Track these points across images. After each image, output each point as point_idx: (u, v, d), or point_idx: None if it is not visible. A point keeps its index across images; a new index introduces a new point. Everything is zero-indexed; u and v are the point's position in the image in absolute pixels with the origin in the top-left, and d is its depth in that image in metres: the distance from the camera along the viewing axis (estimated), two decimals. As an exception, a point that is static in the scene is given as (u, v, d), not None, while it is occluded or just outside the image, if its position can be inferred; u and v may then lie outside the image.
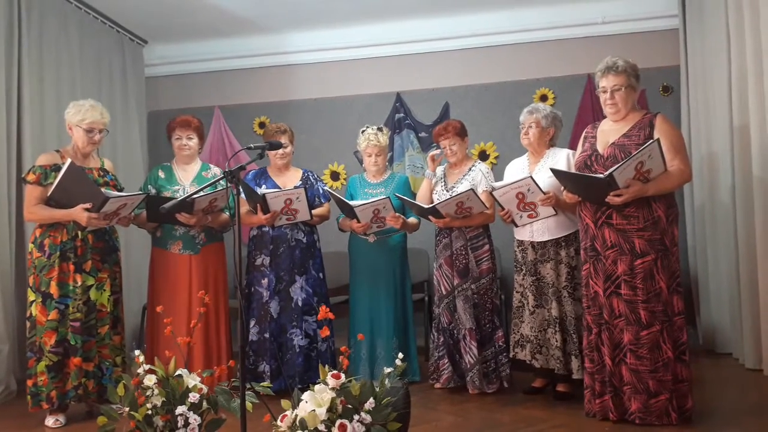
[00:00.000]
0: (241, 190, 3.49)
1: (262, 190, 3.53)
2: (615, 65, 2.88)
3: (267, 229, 3.61)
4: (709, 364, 3.86)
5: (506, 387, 3.44)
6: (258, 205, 3.48)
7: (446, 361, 3.52)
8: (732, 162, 3.77)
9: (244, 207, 3.60)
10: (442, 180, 3.69)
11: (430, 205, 3.44)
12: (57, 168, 3.13)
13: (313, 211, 3.53)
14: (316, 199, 3.71)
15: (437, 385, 3.53)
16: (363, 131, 3.75)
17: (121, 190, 3.32)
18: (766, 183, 3.41)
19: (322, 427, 2.13)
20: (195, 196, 3.09)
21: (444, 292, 3.54)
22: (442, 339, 3.54)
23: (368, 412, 2.18)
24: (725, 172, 3.89)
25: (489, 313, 3.48)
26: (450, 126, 3.62)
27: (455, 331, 3.51)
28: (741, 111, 3.62)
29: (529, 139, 3.37)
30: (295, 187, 3.49)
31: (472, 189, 3.35)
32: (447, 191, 3.60)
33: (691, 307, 4.35)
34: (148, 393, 2.30)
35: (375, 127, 3.74)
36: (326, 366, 2.29)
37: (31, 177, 3.16)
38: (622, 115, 2.91)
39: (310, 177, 3.78)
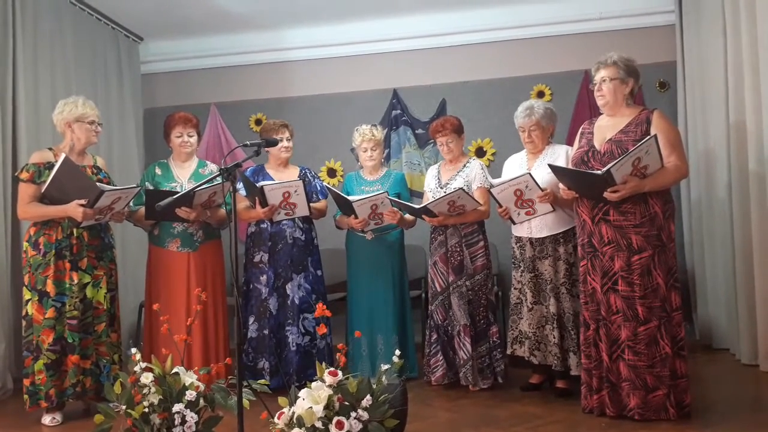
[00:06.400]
0: (242, 184, 3.52)
1: (260, 183, 3.52)
2: (607, 58, 2.91)
3: (265, 225, 3.61)
4: (706, 360, 3.87)
5: (500, 382, 3.45)
6: (256, 199, 3.47)
7: (440, 357, 3.52)
8: (728, 157, 3.78)
9: (243, 203, 3.60)
10: (436, 177, 3.69)
11: (421, 206, 3.45)
12: (50, 166, 3.12)
13: (311, 205, 3.52)
14: (314, 195, 3.71)
15: (432, 382, 3.53)
16: (357, 129, 3.77)
17: None
18: (762, 178, 3.42)
19: (319, 424, 2.14)
20: (196, 189, 3.09)
21: (438, 289, 3.54)
22: (435, 336, 3.54)
23: (365, 409, 2.18)
24: (722, 167, 3.89)
25: (483, 309, 3.49)
26: (447, 122, 3.62)
27: (449, 328, 3.51)
28: (737, 106, 3.62)
29: (534, 142, 3.36)
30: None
31: (462, 188, 3.35)
32: (441, 188, 3.60)
33: (688, 303, 4.36)
34: (145, 391, 2.30)
35: (369, 125, 3.77)
36: (323, 363, 2.30)
37: (24, 175, 3.14)
38: (611, 107, 2.92)
39: (308, 174, 3.78)
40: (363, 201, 3.46)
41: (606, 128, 2.93)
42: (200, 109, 4.90)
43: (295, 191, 3.40)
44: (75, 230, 3.15)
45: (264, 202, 3.45)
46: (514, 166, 3.48)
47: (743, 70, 3.52)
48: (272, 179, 3.66)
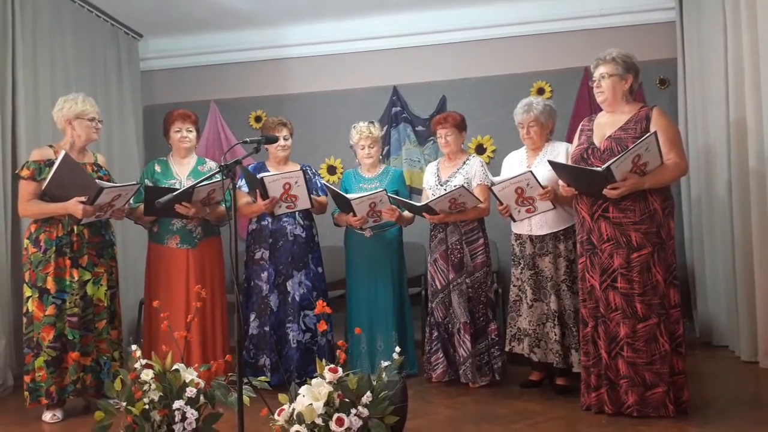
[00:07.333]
0: (244, 180, 3.51)
1: (260, 174, 3.51)
2: (606, 54, 2.92)
3: (266, 222, 3.61)
4: (706, 357, 3.88)
5: (498, 379, 3.45)
6: (257, 192, 3.47)
7: (440, 355, 3.53)
8: (728, 155, 3.78)
9: (244, 199, 3.60)
10: (436, 175, 3.69)
11: (422, 204, 3.45)
12: (51, 163, 3.12)
13: (312, 197, 3.52)
14: (314, 192, 3.70)
15: (433, 379, 3.54)
16: (354, 126, 3.77)
17: None
18: (762, 176, 3.42)
19: (319, 420, 2.14)
20: (196, 186, 3.09)
21: (439, 287, 3.54)
22: (436, 333, 3.55)
23: (365, 405, 2.19)
24: (722, 164, 3.90)
25: (483, 306, 3.49)
26: (450, 117, 3.64)
27: (450, 325, 3.51)
28: (737, 103, 3.62)
29: (533, 138, 3.36)
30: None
31: (463, 186, 3.35)
32: (441, 186, 3.60)
33: (688, 300, 4.37)
34: (145, 388, 2.30)
35: (367, 122, 3.77)
36: (324, 360, 2.30)
37: (24, 172, 3.15)
38: (610, 103, 2.92)
39: (308, 171, 3.77)
40: (361, 199, 3.46)
41: (605, 125, 2.93)
42: (200, 106, 4.91)
43: (296, 182, 3.39)
44: (75, 227, 3.15)
45: (265, 195, 3.44)
46: (514, 163, 3.48)
47: (744, 67, 3.52)
48: (273, 176, 3.66)
